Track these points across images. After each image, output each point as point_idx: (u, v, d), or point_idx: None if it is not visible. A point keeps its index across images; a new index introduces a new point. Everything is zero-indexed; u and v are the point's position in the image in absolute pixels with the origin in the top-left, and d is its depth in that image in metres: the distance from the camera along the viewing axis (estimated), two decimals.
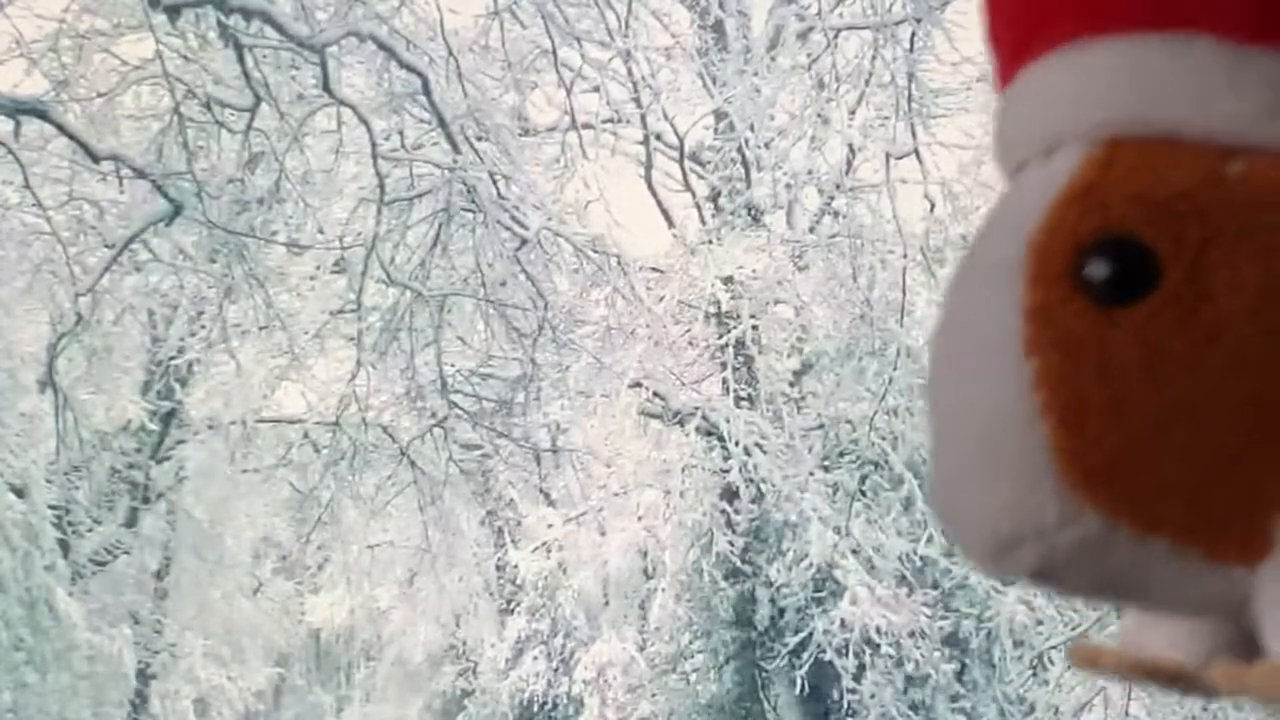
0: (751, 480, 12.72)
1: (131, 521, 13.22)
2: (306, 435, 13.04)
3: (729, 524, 13.03)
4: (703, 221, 13.77)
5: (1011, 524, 0.48)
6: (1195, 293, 0.47)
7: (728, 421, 12.77)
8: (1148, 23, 0.51)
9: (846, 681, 12.37)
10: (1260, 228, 0.48)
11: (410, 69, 7.58)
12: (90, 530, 12.63)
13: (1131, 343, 0.47)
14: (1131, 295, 0.47)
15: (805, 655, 12.45)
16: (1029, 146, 0.53)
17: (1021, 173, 0.53)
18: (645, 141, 12.65)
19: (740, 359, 13.24)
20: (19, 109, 7.15)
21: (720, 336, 13.32)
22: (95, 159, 7.54)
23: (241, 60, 7.31)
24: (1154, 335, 0.47)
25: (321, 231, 9.82)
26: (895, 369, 11.40)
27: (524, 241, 8.56)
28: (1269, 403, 0.46)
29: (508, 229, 8.48)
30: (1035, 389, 0.47)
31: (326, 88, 7.44)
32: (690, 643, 14.08)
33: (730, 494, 13.05)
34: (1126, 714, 9.15)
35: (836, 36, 11.28)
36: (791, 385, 13.65)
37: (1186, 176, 0.49)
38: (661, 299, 12.57)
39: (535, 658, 16.44)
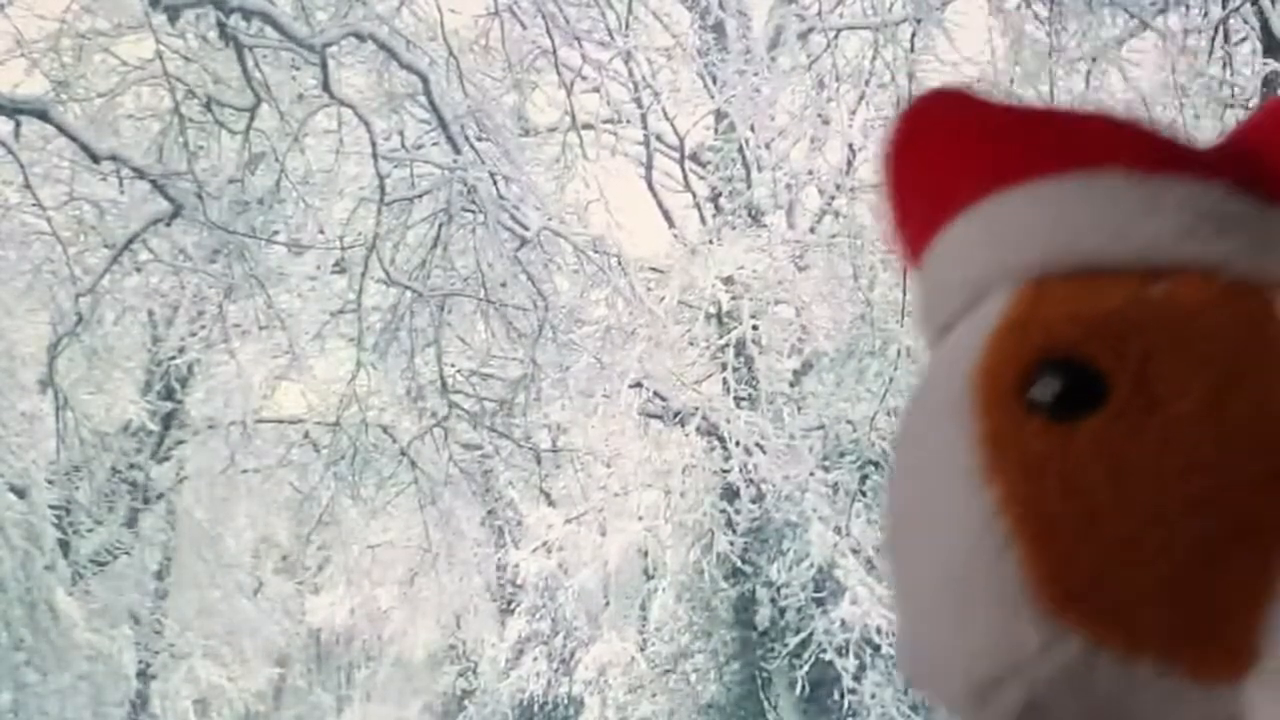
0: (752, 480, 12.72)
1: (131, 521, 13.20)
2: (306, 435, 13.05)
3: (729, 524, 13.02)
4: (703, 221, 13.77)
5: (991, 662, 0.46)
6: (1144, 403, 0.47)
7: (728, 421, 12.77)
8: (1057, 165, 0.51)
9: (847, 682, 12.37)
10: (1195, 337, 0.48)
11: (410, 69, 7.57)
12: (90, 530, 12.62)
13: (1092, 455, 0.46)
14: (1081, 412, 0.47)
15: (806, 655, 12.45)
16: (954, 304, 0.53)
17: (948, 332, 0.53)
18: (645, 141, 12.65)
19: (740, 359, 13.23)
20: (19, 109, 7.15)
21: (720, 336, 13.32)
22: (95, 159, 7.54)
23: (241, 60, 7.30)
24: (1112, 446, 0.46)
25: (322, 231, 9.82)
26: (895, 369, 11.38)
27: (524, 241, 8.56)
28: (1230, 502, 0.46)
29: (508, 229, 8.47)
30: (1000, 515, 0.46)
31: (326, 88, 7.44)
32: (690, 643, 14.08)
33: (730, 494, 13.04)
34: None
35: (836, 36, 11.26)
36: (792, 385, 13.65)
37: (1115, 298, 0.48)
38: (662, 299, 12.56)
39: (535, 658, 16.42)
